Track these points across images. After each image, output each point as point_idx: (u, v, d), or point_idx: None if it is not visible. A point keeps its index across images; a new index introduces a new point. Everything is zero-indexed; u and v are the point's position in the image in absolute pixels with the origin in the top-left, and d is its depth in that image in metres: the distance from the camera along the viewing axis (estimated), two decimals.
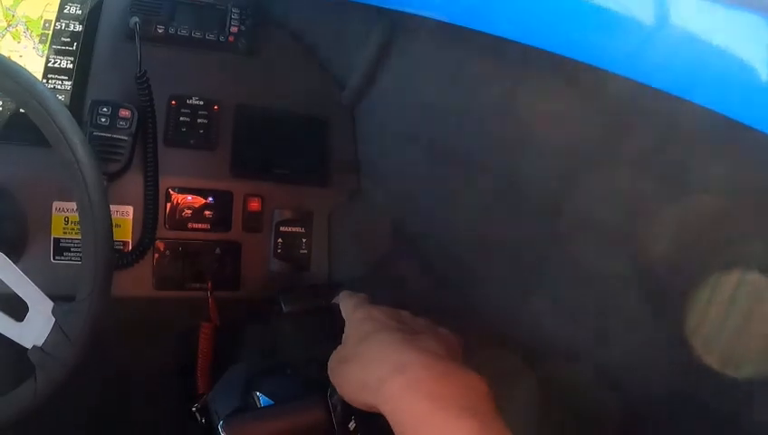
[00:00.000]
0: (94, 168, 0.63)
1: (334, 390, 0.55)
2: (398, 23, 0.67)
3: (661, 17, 0.32)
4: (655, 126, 0.37)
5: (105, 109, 0.79)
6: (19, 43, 0.82)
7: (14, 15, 0.81)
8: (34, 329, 0.63)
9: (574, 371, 0.50)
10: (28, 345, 0.63)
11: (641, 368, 0.43)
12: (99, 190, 0.63)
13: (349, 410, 0.54)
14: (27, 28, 0.82)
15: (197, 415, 0.64)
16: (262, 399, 0.59)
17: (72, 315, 0.63)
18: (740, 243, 0.34)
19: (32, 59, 0.82)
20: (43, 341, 0.63)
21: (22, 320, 0.64)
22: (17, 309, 0.64)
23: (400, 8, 0.57)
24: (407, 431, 0.44)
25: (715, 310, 0.36)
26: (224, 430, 0.53)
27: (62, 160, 0.62)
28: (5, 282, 0.63)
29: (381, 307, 0.58)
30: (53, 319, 0.63)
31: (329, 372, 0.54)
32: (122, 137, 0.79)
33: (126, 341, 0.92)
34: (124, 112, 0.79)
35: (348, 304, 0.60)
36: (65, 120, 0.63)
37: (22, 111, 0.79)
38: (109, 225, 0.63)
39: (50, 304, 0.64)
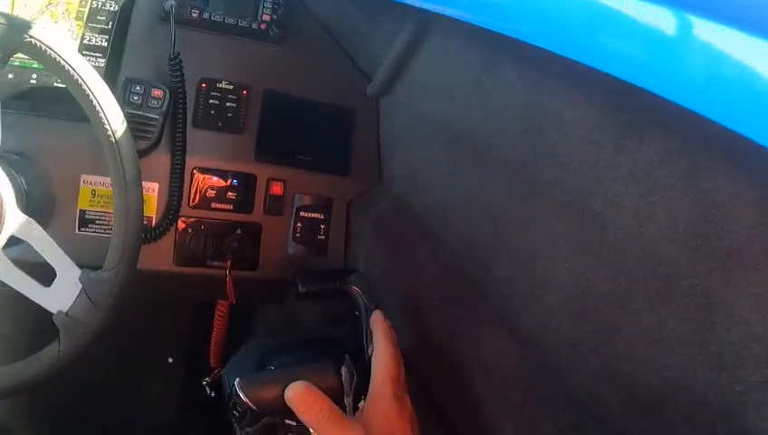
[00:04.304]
0: (131, 146, 0.65)
1: (348, 359, 0.57)
2: (428, 20, 0.68)
3: (681, 34, 0.33)
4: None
5: (138, 87, 0.80)
6: (56, 23, 0.84)
7: None
8: (61, 294, 0.65)
9: (582, 364, 0.51)
10: (53, 310, 0.65)
11: (650, 363, 0.44)
12: (134, 168, 0.65)
13: (361, 380, 0.57)
14: (66, 10, 0.84)
15: (207, 389, 0.66)
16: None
17: (98, 283, 0.65)
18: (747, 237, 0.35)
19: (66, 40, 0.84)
20: (69, 306, 0.65)
21: (48, 286, 0.65)
22: (43, 275, 0.65)
23: (429, 8, 0.59)
24: None
25: (727, 305, 0.37)
26: (239, 388, 0.55)
27: (100, 136, 0.64)
28: (35, 247, 0.65)
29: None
30: (80, 286, 0.65)
31: None
32: (153, 116, 0.80)
33: (144, 311, 0.94)
34: (157, 92, 0.81)
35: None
36: (105, 97, 0.65)
37: (57, 85, 0.81)
38: (140, 201, 0.65)
39: (77, 271, 0.66)
